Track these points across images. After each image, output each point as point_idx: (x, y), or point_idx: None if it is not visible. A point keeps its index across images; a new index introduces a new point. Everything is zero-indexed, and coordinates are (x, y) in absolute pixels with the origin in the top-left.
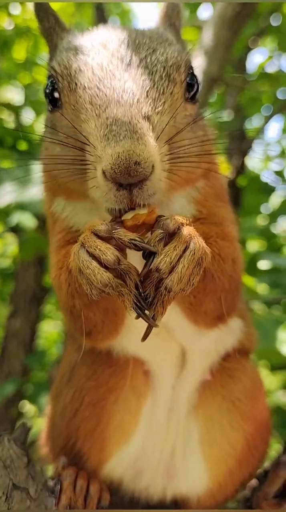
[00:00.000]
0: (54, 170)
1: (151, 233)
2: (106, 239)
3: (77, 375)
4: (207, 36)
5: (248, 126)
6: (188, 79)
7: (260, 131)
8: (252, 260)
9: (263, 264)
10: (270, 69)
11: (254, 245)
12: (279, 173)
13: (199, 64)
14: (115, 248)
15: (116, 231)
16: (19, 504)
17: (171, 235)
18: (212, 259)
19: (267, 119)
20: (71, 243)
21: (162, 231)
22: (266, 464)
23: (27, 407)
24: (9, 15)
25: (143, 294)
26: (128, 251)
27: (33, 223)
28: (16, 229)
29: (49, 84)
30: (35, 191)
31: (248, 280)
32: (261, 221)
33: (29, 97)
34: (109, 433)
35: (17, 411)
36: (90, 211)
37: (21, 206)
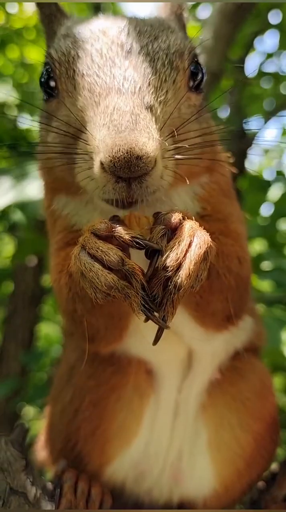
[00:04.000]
0: (48, 159)
1: (152, 230)
2: (107, 238)
3: (77, 374)
4: (207, 30)
5: (247, 126)
6: (191, 67)
7: (260, 130)
8: (255, 260)
9: (266, 265)
10: (270, 69)
11: (256, 246)
12: (279, 173)
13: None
14: (118, 248)
15: (116, 229)
16: (17, 509)
17: (173, 230)
18: (216, 256)
19: (268, 116)
20: (71, 245)
21: (163, 226)
22: (273, 466)
23: (26, 409)
24: (7, 13)
25: (150, 295)
26: (131, 251)
27: (25, 221)
28: (13, 229)
29: (45, 72)
30: (33, 190)
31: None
32: (261, 221)
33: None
34: (111, 434)
35: (15, 413)
36: (93, 207)
37: (18, 205)
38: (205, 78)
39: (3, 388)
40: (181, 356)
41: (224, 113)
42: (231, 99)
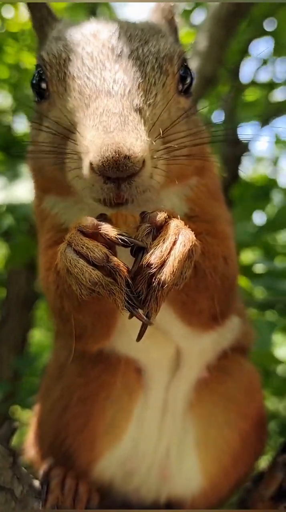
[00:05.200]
0: (39, 158)
1: (138, 228)
2: (93, 236)
3: (66, 372)
4: (202, 35)
5: (241, 132)
6: (181, 71)
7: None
8: (247, 265)
9: (258, 268)
10: (264, 76)
11: (249, 254)
12: (272, 181)
13: (193, 64)
14: (103, 245)
15: (102, 226)
16: (4, 505)
17: (159, 229)
18: (202, 255)
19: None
20: (59, 243)
21: (149, 224)
22: (261, 466)
23: (18, 414)
24: (2, 18)
25: (134, 292)
26: (118, 249)
27: (16, 224)
28: (6, 235)
29: (37, 74)
30: (23, 192)
31: (243, 282)
32: (254, 229)
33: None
34: (99, 431)
35: (7, 417)
36: (81, 207)
37: (8, 208)
38: (193, 82)
39: None
40: (169, 355)
41: (218, 119)
42: (225, 105)
